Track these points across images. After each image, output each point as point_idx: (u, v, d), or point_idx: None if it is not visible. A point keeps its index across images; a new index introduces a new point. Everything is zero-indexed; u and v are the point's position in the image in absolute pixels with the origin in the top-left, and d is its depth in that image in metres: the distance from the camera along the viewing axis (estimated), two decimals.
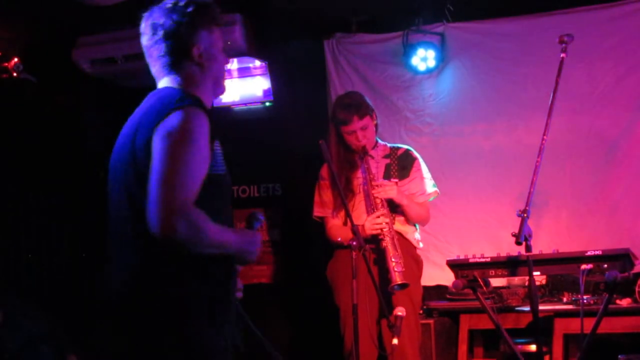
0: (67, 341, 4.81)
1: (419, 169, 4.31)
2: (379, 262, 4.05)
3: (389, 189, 4.12)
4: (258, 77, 5.62)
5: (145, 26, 2.45)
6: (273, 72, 5.54)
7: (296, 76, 5.56)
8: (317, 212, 4.37)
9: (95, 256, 5.55)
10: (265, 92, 5.60)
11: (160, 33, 2.39)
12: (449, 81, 5.28)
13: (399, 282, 3.91)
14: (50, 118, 5.62)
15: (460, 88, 5.26)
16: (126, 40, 5.00)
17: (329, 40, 5.51)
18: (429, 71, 5.24)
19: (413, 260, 4.24)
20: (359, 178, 4.25)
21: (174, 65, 2.42)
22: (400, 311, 3.65)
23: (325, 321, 4.55)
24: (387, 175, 4.26)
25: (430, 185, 4.33)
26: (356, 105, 4.20)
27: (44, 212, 5.67)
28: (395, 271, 3.91)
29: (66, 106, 5.68)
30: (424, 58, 5.16)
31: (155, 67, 2.46)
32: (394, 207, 4.18)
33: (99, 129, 5.67)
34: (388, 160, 4.30)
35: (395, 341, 3.60)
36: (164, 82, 2.45)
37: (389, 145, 4.39)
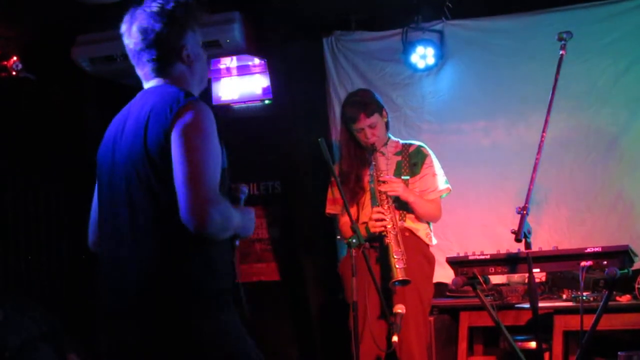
0: (66, 340, 4.82)
1: (431, 166, 4.29)
2: (383, 258, 4.05)
3: (395, 186, 4.11)
4: (257, 75, 5.62)
5: (129, 29, 2.44)
6: (272, 70, 5.54)
7: (295, 74, 5.56)
8: (329, 209, 4.39)
9: (95, 255, 5.54)
10: (265, 90, 5.60)
11: (151, 37, 2.40)
12: (448, 79, 5.28)
13: (399, 278, 3.91)
14: (50, 116, 5.62)
15: (459, 85, 5.26)
16: None
17: (328, 38, 5.50)
18: (428, 69, 5.24)
19: (424, 258, 4.22)
20: (370, 175, 4.25)
21: (166, 67, 2.44)
22: (400, 308, 3.64)
23: (326, 319, 4.56)
24: (397, 172, 4.24)
25: (442, 182, 4.30)
26: (364, 103, 4.20)
27: (44, 211, 5.66)
28: (396, 267, 3.91)
29: (65, 104, 5.67)
30: (423, 55, 5.16)
31: (144, 69, 2.46)
32: (404, 205, 4.18)
33: (99, 127, 5.65)
34: (399, 157, 4.29)
35: (395, 338, 3.60)
36: (153, 82, 2.46)
37: (401, 142, 4.37)
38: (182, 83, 2.45)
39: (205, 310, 2.27)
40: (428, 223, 4.31)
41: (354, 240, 3.55)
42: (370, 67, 5.42)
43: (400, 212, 4.18)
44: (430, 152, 4.34)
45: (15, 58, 4.92)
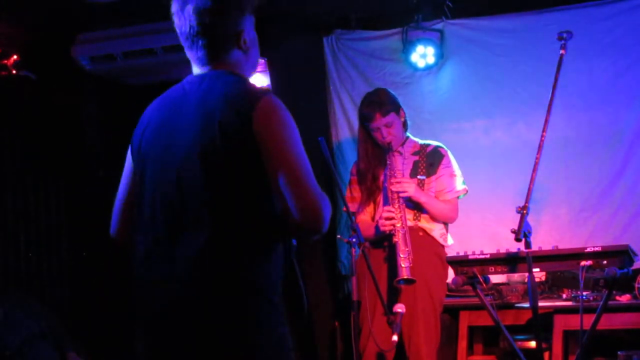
0: (66, 339, 4.82)
1: (448, 166, 4.29)
2: (391, 258, 4.06)
3: (406, 186, 4.11)
4: (258, 74, 5.61)
5: (181, 9, 2.28)
6: (273, 69, 5.53)
7: (296, 73, 5.55)
8: (350, 207, 4.37)
9: (95, 255, 5.55)
10: None
11: (208, 21, 2.25)
12: (448, 78, 5.28)
13: (404, 277, 3.91)
14: (50, 115, 5.62)
15: (459, 85, 5.26)
16: (126, 37, 5.00)
17: (329, 37, 5.50)
18: (429, 68, 5.24)
19: (438, 258, 4.21)
20: (384, 174, 4.26)
21: (221, 53, 2.30)
22: (399, 308, 3.65)
23: (326, 319, 4.56)
24: (414, 172, 4.26)
25: (459, 183, 4.30)
26: (379, 103, 4.22)
27: (44, 211, 5.66)
28: (401, 266, 3.92)
29: (65, 103, 5.67)
30: (423, 55, 5.16)
31: (198, 53, 2.31)
32: (418, 205, 4.18)
33: (99, 126, 5.67)
34: (417, 157, 4.30)
35: (394, 338, 3.60)
36: (208, 68, 2.32)
37: (420, 142, 4.38)
38: (237, 69, 2.32)
39: (264, 314, 2.17)
40: (444, 223, 4.30)
41: (353, 240, 3.56)
42: (370, 66, 5.42)
43: (415, 212, 4.19)
44: (448, 152, 4.34)
45: (15, 57, 4.91)
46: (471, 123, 5.25)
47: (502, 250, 3.60)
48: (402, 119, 4.31)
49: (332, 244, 5.28)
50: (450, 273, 3.72)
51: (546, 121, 3.45)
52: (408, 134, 4.38)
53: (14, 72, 4.88)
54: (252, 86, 2.29)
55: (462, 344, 4.91)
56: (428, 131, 5.26)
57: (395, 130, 4.24)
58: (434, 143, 4.39)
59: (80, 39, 5.22)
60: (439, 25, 5.22)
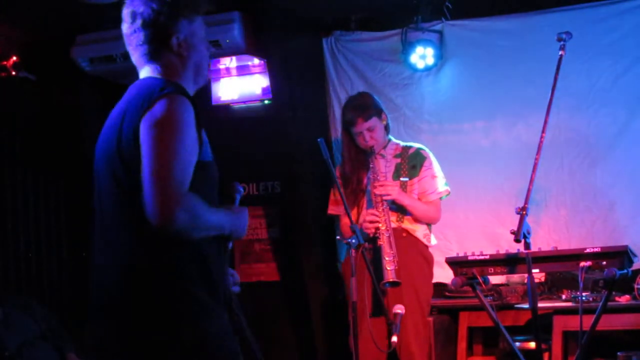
0: (66, 339, 4.82)
1: (430, 168, 4.34)
2: (375, 260, 4.07)
3: (390, 189, 4.16)
4: (257, 75, 5.62)
5: (125, 13, 2.41)
6: (272, 70, 5.54)
7: (295, 74, 5.56)
8: (331, 210, 4.47)
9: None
10: (264, 90, 5.60)
11: (139, 21, 2.35)
12: (447, 79, 5.28)
13: (389, 280, 3.94)
14: (49, 116, 5.62)
15: (458, 86, 5.26)
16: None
17: (328, 38, 5.50)
18: (428, 69, 5.24)
19: (423, 259, 4.26)
20: (367, 178, 4.29)
21: (153, 54, 2.38)
22: (399, 309, 3.65)
23: (325, 318, 4.56)
24: (397, 175, 4.30)
25: (441, 184, 4.35)
26: (362, 107, 4.27)
27: (43, 211, 5.66)
28: (387, 269, 3.95)
29: (65, 104, 5.67)
30: (422, 56, 5.16)
31: (135, 55, 2.42)
32: (401, 207, 4.21)
33: (98, 127, 5.65)
34: (399, 160, 4.35)
35: (394, 339, 3.61)
36: (145, 71, 2.41)
37: (401, 144, 4.43)
38: (174, 73, 2.38)
39: (179, 316, 2.19)
40: (427, 224, 4.33)
41: (353, 241, 3.56)
42: (369, 67, 5.42)
43: (398, 214, 4.23)
44: (430, 154, 4.38)
45: (14, 58, 4.92)
46: (471, 124, 5.25)
47: (502, 251, 3.60)
48: (384, 123, 4.37)
49: (332, 245, 5.28)
50: (449, 274, 3.72)
51: (546, 122, 3.45)
52: (390, 136, 4.42)
53: (14, 73, 4.89)
54: (157, 89, 2.27)
55: (462, 344, 4.91)
56: (427, 132, 5.28)
57: (378, 134, 4.29)
58: (416, 145, 4.44)
59: (80, 40, 5.23)
60: (439, 26, 5.22)
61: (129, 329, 2.21)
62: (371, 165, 4.22)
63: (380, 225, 4.08)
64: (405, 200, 4.19)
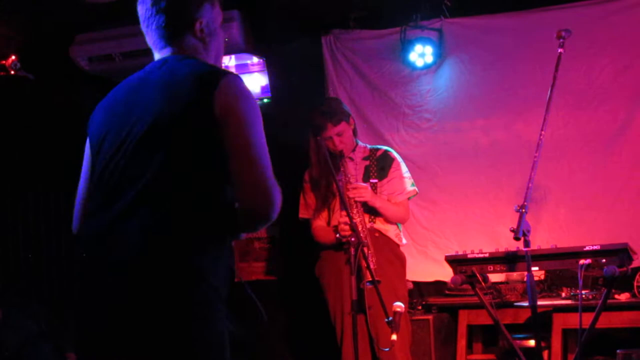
0: (66, 339, 4.82)
1: (398, 169, 4.44)
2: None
3: (363, 192, 4.24)
4: (256, 74, 5.62)
5: None
6: (271, 69, 5.53)
7: (294, 73, 5.55)
8: (302, 214, 4.55)
9: None
10: (263, 88, 5.60)
11: (163, 3, 2.29)
12: (446, 77, 5.28)
13: (370, 279, 3.97)
14: (49, 115, 5.62)
15: (458, 84, 5.26)
16: (124, 38, 5.00)
17: (327, 36, 5.50)
18: (427, 67, 5.24)
19: (396, 258, 4.37)
20: (339, 180, 4.31)
21: (175, 37, 2.32)
22: (398, 307, 3.66)
23: (323, 316, 4.56)
24: (366, 177, 4.40)
25: (409, 185, 4.45)
26: (330, 113, 4.34)
27: (43, 211, 5.66)
28: (366, 269, 3.98)
29: (64, 104, 5.67)
30: (421, 54, 5.16)
31: (154, 36, 2.35)
32: (373, 208, 4.30)
33: None
34: (367, 162, 4.45)
35: (394, 337, 3.61)
36: (165, 52, 2.34)
37: (369, 147, 4.53)
38: (196, 55, 2.33)
39: (208, 305, 2.13)
40: (397, 224, 4.44)
41: (352, 239, 3.56)
42: (368, 65, 5.42)
43: (369, 215, 4.32)
44: (397, 156, 4.49)
45: (13, 57, 4.91)
46: (470, 122, 5.25)
47: (501, 249, 3.60)
48: (352, 127, 4.44)
49: None
50: (449, 272, 3.72)
51: (545, 120, 3.45)
52: (357, 140, 4.50)
53: (13, 72, 4.88)
54: (215, 67, 2.29)
55: (461, 342, 4.92)
56: (427, 130, 5.28)
57: (346, 138, 4.37)
58: (383, 147, 4.55)
59: (79, 40, 5.23)
60: (438, 24, 5.21)
61: (144, 288, 2.09)
62: (342, 169, 4.29)
63: (356, 226, 4.11)
64: (377, 202, 4.29)
